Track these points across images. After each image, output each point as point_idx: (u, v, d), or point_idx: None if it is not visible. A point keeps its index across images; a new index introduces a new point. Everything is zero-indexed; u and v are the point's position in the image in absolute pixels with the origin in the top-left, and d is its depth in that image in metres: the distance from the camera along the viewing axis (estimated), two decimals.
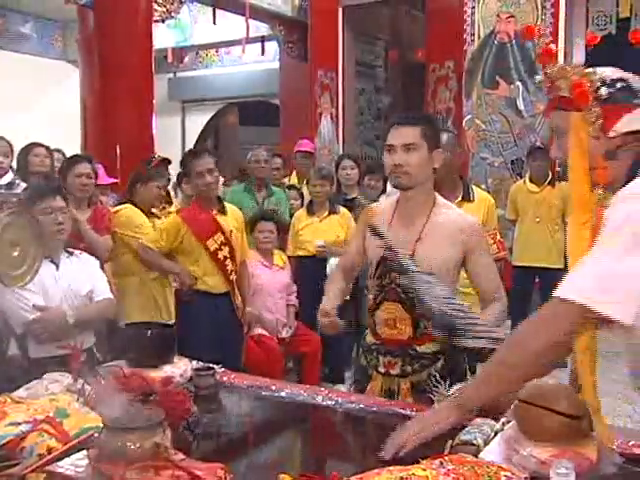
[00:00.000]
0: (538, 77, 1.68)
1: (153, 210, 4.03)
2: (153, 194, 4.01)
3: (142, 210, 3.90)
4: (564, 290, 1.39)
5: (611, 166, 1.51)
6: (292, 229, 4.85)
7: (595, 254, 1.39)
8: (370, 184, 5.06)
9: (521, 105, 6.68)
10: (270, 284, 4.41)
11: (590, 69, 1.57)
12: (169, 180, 4.81)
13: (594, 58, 6.54)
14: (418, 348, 2.22)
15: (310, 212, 4.81)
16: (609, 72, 1.55)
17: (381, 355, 2.27)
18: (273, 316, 4.40)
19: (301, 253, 4.77)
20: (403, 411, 1.96)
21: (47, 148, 4.43)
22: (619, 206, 1.39)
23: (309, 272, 4.57)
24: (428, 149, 2.18)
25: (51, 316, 2.53)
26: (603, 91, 1.51)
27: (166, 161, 4.68)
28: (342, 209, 4.79)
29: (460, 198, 3.20)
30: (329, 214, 4.74)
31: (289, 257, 4.78)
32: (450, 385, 2.09)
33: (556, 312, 1.41)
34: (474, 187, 3.40)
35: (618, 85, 1.52)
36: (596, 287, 1.35)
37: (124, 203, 3.97)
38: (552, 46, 1.67)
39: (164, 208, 4.31)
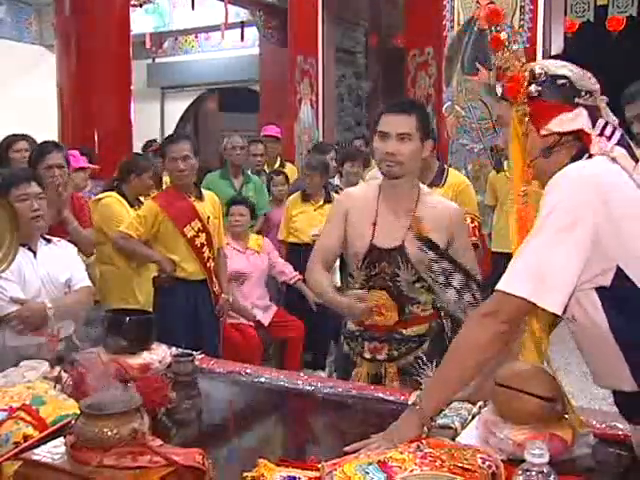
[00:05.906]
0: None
1: (140, 198, 3.97)
2: (145, 185, 3.96)
3: (127, 199, 3.84)
4: (504, 284, 1.43)
5: (547, 163, 1.51)
6: (286, 213, 4.82)
7: (529, 245, 1.43)
8: (351, 171, 5.06)
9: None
10: (244, 269, 4.36)
11: (535, 62, 1.54)
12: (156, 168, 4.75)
13: (572, 45, 6.57)
14: (404, 332, 2.23)
15: (305, 199, 4.79)
16: (553, 67, 1.51)
17: (366, 341, 2.28)
18: (248, 302, 4.36)
19: (293, 240, 4.75)
20: (383, 395, 1.97)
21: (29, 140, 4.29)
22: (547, 197, 1.43)
23: (300, 260, 4.55)
24: (420, 139, 2.17)
25: (31, 311, 2.49)
26: (532, 88, 1.49)
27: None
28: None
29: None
30: (324, 203, 4.69)
31: (281, 241, 4.76)
32: (436, 366, 2.10)
33: (498, 305, 1.44)
34: (452, 170, 3.40)
35: (558, 82, 1.48)
36: (532, 280, 1.39)
37: (109, 190, 3.90)
38: (502, 34, 1.66)
39: (148, 195, 4.26)
